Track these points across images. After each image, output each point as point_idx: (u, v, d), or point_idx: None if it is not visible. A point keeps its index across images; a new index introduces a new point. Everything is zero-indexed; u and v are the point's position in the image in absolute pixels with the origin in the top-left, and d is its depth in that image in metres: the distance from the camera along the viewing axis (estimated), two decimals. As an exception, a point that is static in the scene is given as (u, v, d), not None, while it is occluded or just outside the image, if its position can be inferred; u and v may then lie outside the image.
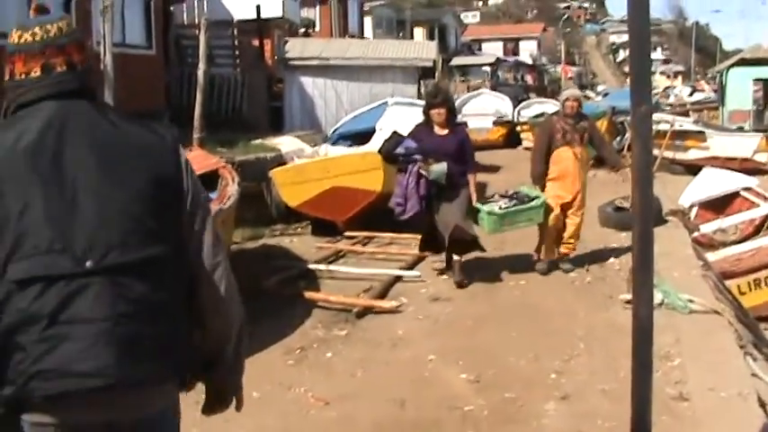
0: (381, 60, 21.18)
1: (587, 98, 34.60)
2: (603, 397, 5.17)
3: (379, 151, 8.72)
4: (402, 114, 13.46)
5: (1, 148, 2.06)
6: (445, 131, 8.05)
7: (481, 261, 8.58)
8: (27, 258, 1.98)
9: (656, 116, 17.14)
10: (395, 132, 8.56)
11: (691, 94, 44.53)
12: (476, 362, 5.94)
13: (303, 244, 10.60)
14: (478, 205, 8.17)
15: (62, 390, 1.96)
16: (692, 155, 18.27)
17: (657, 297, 6.55)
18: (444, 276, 8.42)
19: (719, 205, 11.79)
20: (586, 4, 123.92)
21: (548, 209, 8.24)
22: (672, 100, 42.52)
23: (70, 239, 2.01)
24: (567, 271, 8.49)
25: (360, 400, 5.36)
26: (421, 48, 23.78)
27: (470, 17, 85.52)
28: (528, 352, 6.10)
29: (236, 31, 21.18)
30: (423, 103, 9.29)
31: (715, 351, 5.85)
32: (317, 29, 35.34)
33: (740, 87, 26.60)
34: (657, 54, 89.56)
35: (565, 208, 8.36)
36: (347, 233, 10.79)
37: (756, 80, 26.61)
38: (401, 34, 47.89)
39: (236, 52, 21.08)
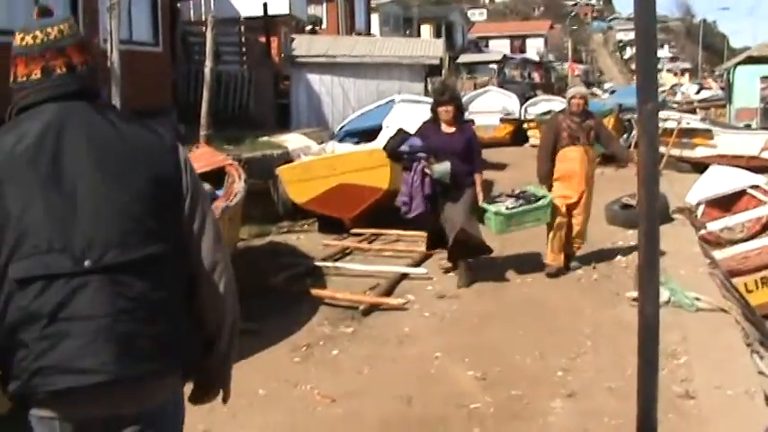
0: (388, 58, 21.14)
1: (594, 95, 34.50)
2: (610, 395, 5.17)
3: (384, 148, 8.72)
4: (409, 112, 13.47)
5: (1, 152, 2.10)
6: (452, 129, 8.04)
7: (487, 259, 8.56)
8: (27, 258, 2.03)
9: (662, 114, 17.11)
10: (400, 130, 8.56)
11: (698, 92, 44.29)
12: (482, 359, 5.95)
13: (310, 241, 10.61)
14: (485, 205, 8.15)
15: (63, 386, 2.01)
16: (699, 153, 18.19)
17: (664, 295, 6.55)
18: (451, 274, 8.42)
19: (726, 203, 11.74)
20: (594, 2, 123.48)
21: (554, 209, 8.22)
22: (679, 97, 42.29)
23: (69, 239, 2.05)
24: (573, 268, 8.48)
25: (366, 397, 5.37)
26: (428, 45, 23.71)
27: (477, 15, 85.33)
28: (534, 349, 6.11)
29: (242, 29, 21.18)
30: (430, 100, 9.27)
31: (722, 349, 5.85)
32: (324, 26, 35.27)
33: (747, 85, 26.45)
34: (665, 51, 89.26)
35: (570, 208, 8.34)
36: (354, 230, 10.80)
37: (764, 78, 26.46)
38: (408, 32, 47.90)
39: (243, 49, 21.07)
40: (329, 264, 9.05)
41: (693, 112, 27.53)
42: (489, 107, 23.62)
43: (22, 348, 2.03)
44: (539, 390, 5.35)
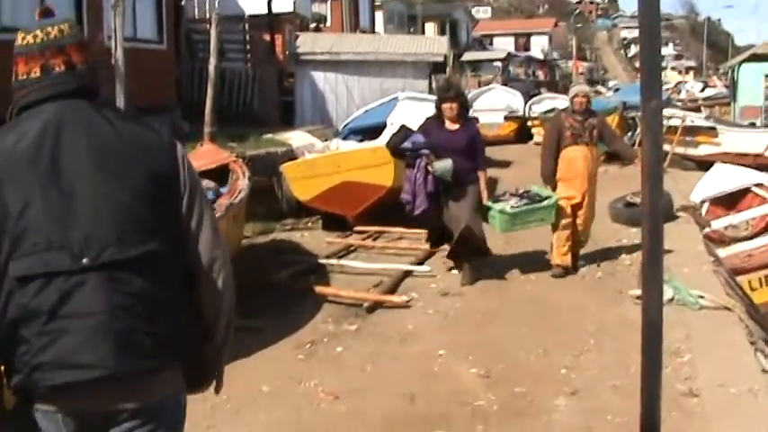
0: (392, 55, 21.17)
1: (598, 93, 34.45)
2: (614, 392, 5.17)
3: (387, 145, 8.69)
4: (413, 109, 13.46)
5: (1, 152, 2.13)
6: (456, 126, 8.02)
7: (491, 257, 8.56)
8: (27, 256, 2.07)
9: (667, 112, 17.07)
10: (403, 126, 8.55)
11: (702, 90, 44.28)
12: (486, 357, 5.95)
13: (314, 238, 10.62)
14: (489, 203, 8.14)
15: (61, 381, 2.06)
16: (704, 150, 18.14)
17: (668, 293, 6.55)
18: (454, 271, 8.41)
19: (730, 201, 11.72)
20: (598, 0, 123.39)
21: (559, 210, 8.20)
22: (683, 95, 42.26)
23: (68, 237, 2.08)
24: (577, 267, 8.47)
25: (370, 395, 5.38)
26: (432, 43, 23.73)
27: (481, 12, 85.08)
28: (538, 347, 6.11)
29: (247, 26, 21.20)
30: (434, 97, 9.26)
31: (725, 347, 5.85)
32: (329, 24, 35.28)
33: (752, 83, 26.36)
34: (669, 49, 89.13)
35: (575, 208, 8.31)
36: (357, 228, 10.80)
37: (768, 76, 26.44)
38: (412, 29, 47.79)
39: (248, 47, 21.09)
40: (333, 261, 9.04)
41: (698, 109, 27.51)
42: (493, 105, 23.60)
43: (23, 344, 2.07)
44: (542, 387, 5.35)
